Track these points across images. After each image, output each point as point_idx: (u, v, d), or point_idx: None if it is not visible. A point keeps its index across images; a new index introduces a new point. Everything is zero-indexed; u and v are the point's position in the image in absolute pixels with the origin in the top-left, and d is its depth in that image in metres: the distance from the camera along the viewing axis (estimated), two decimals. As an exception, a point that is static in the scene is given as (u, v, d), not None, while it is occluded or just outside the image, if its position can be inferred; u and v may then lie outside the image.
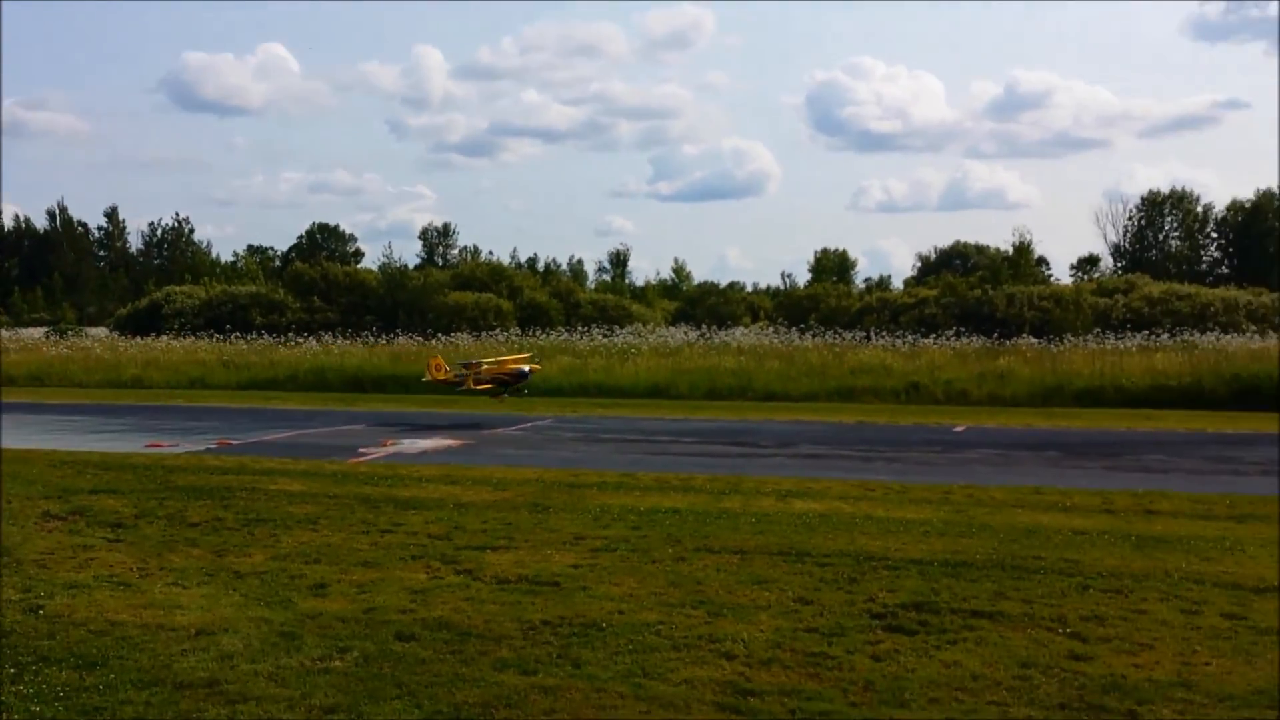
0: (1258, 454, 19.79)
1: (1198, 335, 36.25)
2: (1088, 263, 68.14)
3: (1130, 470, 17.64)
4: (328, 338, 43.93)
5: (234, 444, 20.54)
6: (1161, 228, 63.72)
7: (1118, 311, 42.71)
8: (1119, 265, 63.47)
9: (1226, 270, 60.08)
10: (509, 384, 25.34)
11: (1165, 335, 36.49)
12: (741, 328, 46.50)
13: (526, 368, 25.80)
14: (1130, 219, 64.78)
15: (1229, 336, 35.92)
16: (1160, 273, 53.88)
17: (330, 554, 10.94)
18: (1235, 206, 61.58)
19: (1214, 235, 63.08)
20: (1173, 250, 62.81)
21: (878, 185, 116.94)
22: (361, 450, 19.59)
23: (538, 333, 43.52)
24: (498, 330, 45.19)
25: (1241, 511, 13.41)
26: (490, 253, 79.01)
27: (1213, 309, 41.99)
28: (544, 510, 13.36)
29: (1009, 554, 10.88)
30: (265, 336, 44.72)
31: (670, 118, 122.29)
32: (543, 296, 53.15)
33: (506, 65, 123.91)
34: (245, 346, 43.11)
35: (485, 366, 25.03)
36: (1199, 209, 63.27)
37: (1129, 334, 37.18)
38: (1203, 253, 63.21)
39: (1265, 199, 60.34)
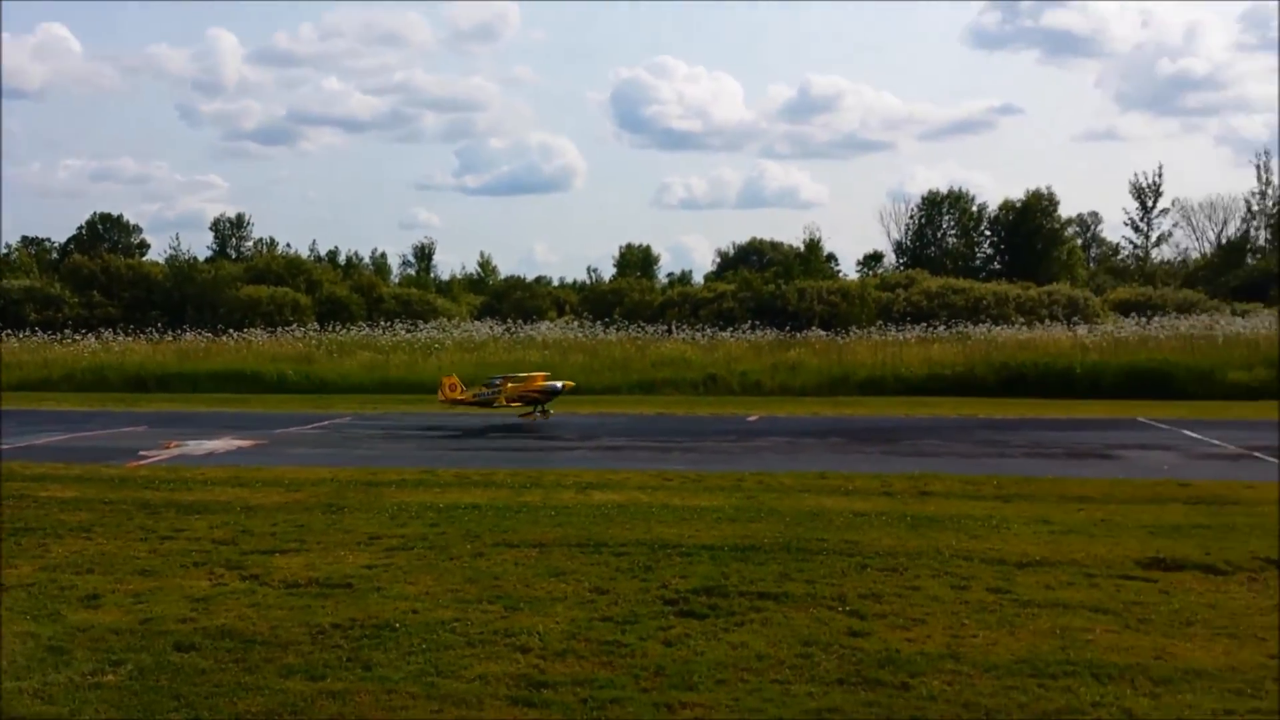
0: (1023, 437, 21.27)
1: (971, 327, 38.58)
2: (873, 259, 71.51)
3: (908, 455, 18.66)
4: (108, 334, 41.44)
5: (1, 449, 19.13)
6: (940, 226, 67.56)
7: (899, 305, 45.05)
8: (901, 261, 66.90)
9: (998, 266, 64.14)
10: (540, 401, 24.26)
11: (941, 327, 38.66)
12: (547, 322, 46.59)
13: (559, 384, 24.82)
14: (911, 218, 68.45)
15: (999, 328, 38.39)
16: (938, 268, 57.04)
17: (104, 563, 10.36)
18: (1007, 206, 65.82)
19: (987, 233, 67.29)
20: (950, 247, 66.65)
21: (680, 182, 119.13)
22: (142, 453, 18.60)
23: (337, 328, 42.35)
24: (294, 326, 43.69)
25: (1008, 492, 14.38)
26: (288, 245, 76.12)
27: (985, 302, 44.84)
28: (338, 510, 13.04)
29: (794, 537, 11.35)
30: (40, 334, 41.80)
31: (477, 110, 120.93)
32: (343, 291, 51.75)
33: (306, 51, 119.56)
34: (18, 345, 40.18)
35: (511, 385, 24.18)
36: (974, 209, 67.40)
37: (909, 326, 39.23)
38: (977, 250, 67.30)
39: (1034, 199, 64.80)
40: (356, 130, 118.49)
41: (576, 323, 44.66)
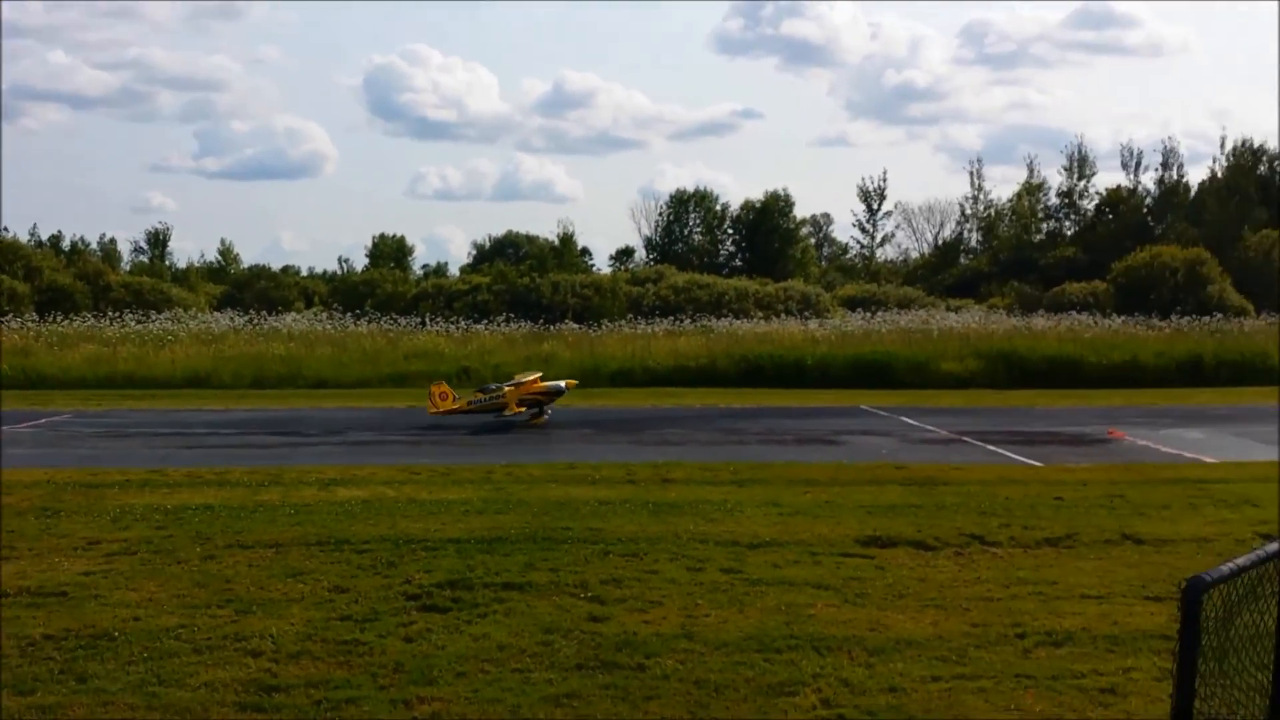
0: (759, 425, 22.32)
1: (714, 321, 40.06)
2: (624, 254, 72.88)
3: (653, 444, 19.21)
4: None
5: None
6: (687, 223, 69.62)
7: (648, 299, 46.23)
8: (651, 257, 68.50)
9: (740, 263, 66.78)
10: (544, 402, 22.99)
11: (688, 321, 39.96)
12: (294, 313, 44.75)
13: (563, 384, 23.61)
14: (660, 215, 70.14)
15: (740, 322, 40.04)
16: (685, 264, 58.75)
17: None
18: (748, 206, 68.53)
19: (730, 231, 69.89)
20: (695, 244, 68.83)
21: (435, 173, 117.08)
22: None
23: (59, 318, 39.15)
24: (10, 315, 40.06)
25: (743, 477, 15.07)
26: (5, 229, 69.55)
27: (727, 297, 46.66)
28: (54, 515, 12.13)
29: (541, 527, 11.50)
30: None
31: (218, 90, 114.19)
32: (66, 279, 47.85)
33: (30, 22, 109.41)
34: None
35: (508, 389, 22.65)
36: (718, 207, 69.85)
37: (657, 319, 40.30)
38: (720, 247, 69.80)
39: (772, 200, 67.87)
40: (84, 107, 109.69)
41: (325, 314, 43.19)
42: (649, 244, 70.67)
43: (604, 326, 39.14)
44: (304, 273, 69.94)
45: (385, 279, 51.39)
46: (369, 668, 7.27)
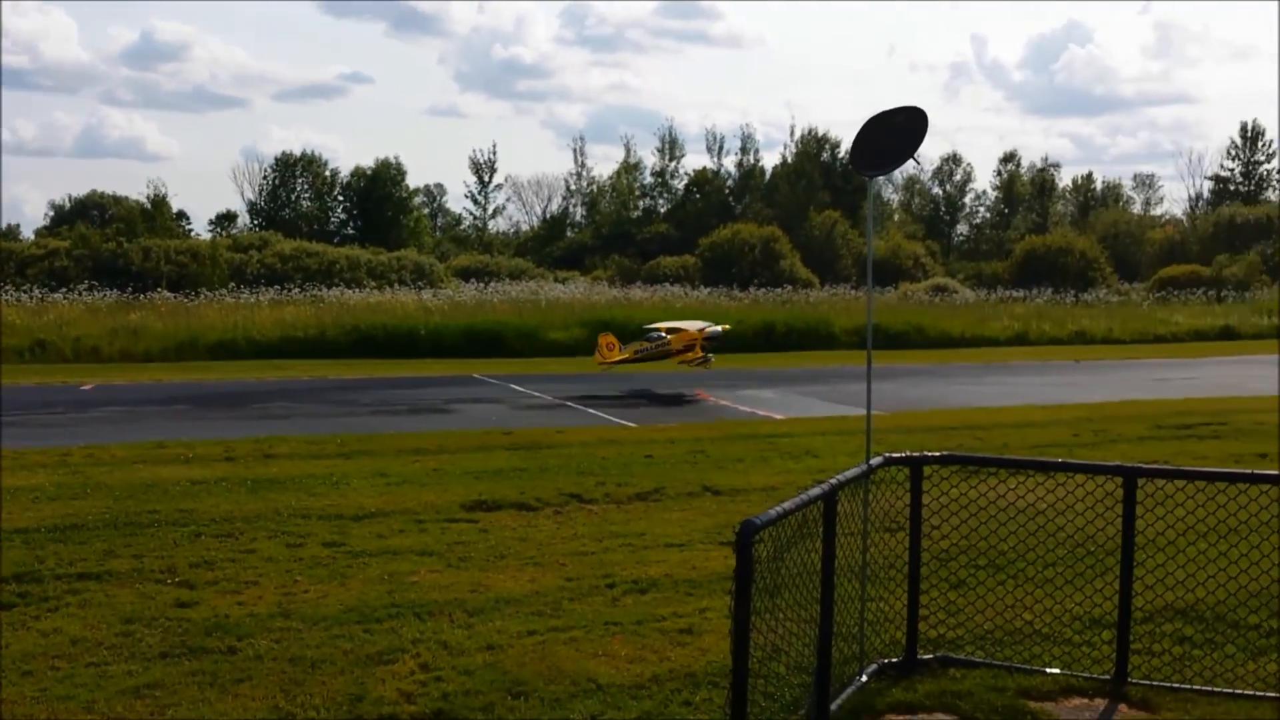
0: (370, 396, 22.01)
1: (324, 290, 38.91)
2: (226, 219, 68.77)
3: (255, 418, 18.41)
4: None
5: None
6: (294, 188, 66.74)
7: (253, 267, 44.04)
8: (256, 223, 65.10)
9: (352, 231, 65.12)
10: (707, 347, 24.05)
11: (296, 290, 38.53)
12: None
13: (719, 328, 24.84)
14: (266, 178, 66.75)
15: (351, 291, 39.17)
16: (293, 231, 56.42)
17: None
18: (359, 173, 66.90)
19: (340, 198, 67.90)
20: (304, 210, 66.20)
21: (4, 125, 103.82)
22: None
23: None
24: None
25: (351, 449, 14.84)
26: None
27: (338, 266, 45.42)
28: None
29: (123, 511, 10.73)
30: None
31: None
32: None
33: None
34: None
35: (670, 336, 23.32)
36: (327, 173, 67.54)
37: (263, 288, 38.52)
38: (330, 214, 67.63)
39: (383, 168, 66.63)
40: None
41: None
42: (253, 209, 67.14)
43: (203, 296, 36.90)
44: None
45: (-64, 241, 45.19)
46: (-90, 678, 6.50)
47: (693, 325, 24.94)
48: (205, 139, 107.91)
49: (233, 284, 39.86)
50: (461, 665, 6.88)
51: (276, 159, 67.11)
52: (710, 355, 24.45)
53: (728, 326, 26.11)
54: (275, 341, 31.28)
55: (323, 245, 50.23)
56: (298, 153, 67.49)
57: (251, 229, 62.44)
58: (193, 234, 58.41)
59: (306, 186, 67.02)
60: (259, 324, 32.51)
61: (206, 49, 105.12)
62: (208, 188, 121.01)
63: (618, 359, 24.08)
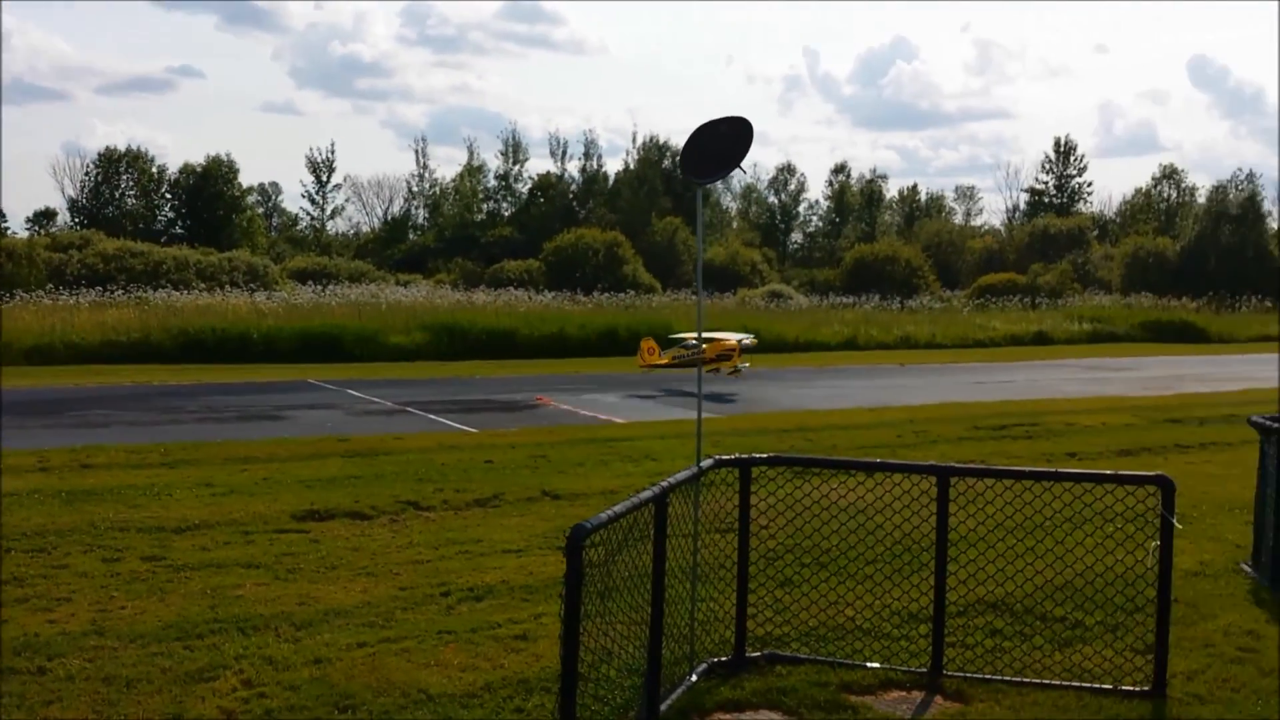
0: (197, 403, 21.17)
1: (150, 292, 37.22)
2: (44, 216, 65.10)
3: (72, 426, 17.49)
4: None
5: None
6: (119, 185, 63.49)
7: (73, 267, 41.82)
8: (76, 220, 61.72)
9: (180, 230, 62.44)
10: (733, 354, 25.61)
11: (119, 291, 36.73)
12: None
13: (748, 339, 26.63)
14: (88, 174, 63.30)
15: (179, 293, 37.58)
16: (117, 230, 53.67)
17: None
18: (188, 170, 64.18)
19: (168, 196, 64.97)
20: (129, 208, 63.07)
21: None
22: None
23: None
24: None
25: (175, 458, 14.25)
26: None
27: (165, 266, 43.47)
28: None
29: (-80, 529, 10.04)
30: None
31: None
32: None
33: None
34: None
35: (705, 345, 22.60)
36: (154, 169, 64.50)
37: (84, 290, 36.62)
38: (158, 212, 64.64)
39: (214, 165, 64.08)
40: None
41: None
42: (74, 206, 63.58)
43: (18, 297, 34.84)
44: None
45: None
46: None
47: (731, 336, 27.07)
48: (22, 132, 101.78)
49: (51, 285, 37.72)
50: (287, 680, 6.71)
51: (100, 154, 63.74)
52: (745, 364, 26.59)
53: (754, 339, 28.10)
54: (96, 345, 29.74)
55: (149, 245, 47.92)
56: (123, 148, 64.25)
57: (72, 227, 59.19)
58: (9, 232, 55.01)
59: (132, 183, 63.83)
60: (79, 327, 30.86)
61: (25, 38, 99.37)
62: (25, 183, 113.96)
63: (658, 362, 26.45)
